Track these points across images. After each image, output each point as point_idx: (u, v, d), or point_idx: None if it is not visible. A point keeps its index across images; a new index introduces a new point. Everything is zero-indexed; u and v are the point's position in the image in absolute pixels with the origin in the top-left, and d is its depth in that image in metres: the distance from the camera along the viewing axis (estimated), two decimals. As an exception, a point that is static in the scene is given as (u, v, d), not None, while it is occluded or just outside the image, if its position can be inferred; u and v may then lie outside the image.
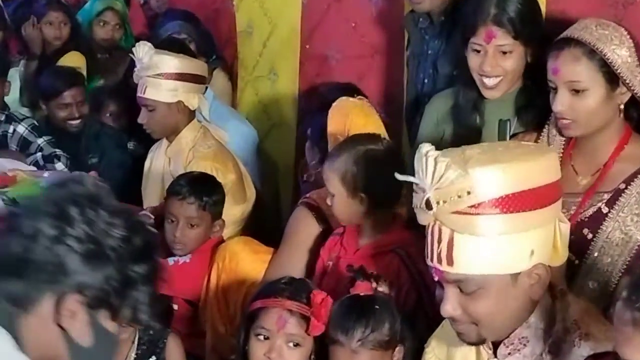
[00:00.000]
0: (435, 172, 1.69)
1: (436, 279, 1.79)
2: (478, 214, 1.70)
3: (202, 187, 2.97)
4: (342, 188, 2.51)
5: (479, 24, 2.47)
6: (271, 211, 4.01)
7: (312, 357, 2.26)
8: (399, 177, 1.80)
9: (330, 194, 2.54)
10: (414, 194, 1.75)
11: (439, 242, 1.74)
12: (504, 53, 2.49)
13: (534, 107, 2.47)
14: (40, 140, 4.11)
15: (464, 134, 2.57)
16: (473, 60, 2.53)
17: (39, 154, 4.06)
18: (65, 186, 1.46)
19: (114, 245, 1.38)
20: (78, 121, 4.12)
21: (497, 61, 2.49)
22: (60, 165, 3.94)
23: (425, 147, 1.72)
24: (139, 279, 1.42)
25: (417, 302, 2.42)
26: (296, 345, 2.22)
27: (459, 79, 2.70)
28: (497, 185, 1.69)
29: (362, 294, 2.23)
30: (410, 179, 1.74)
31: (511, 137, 2.49)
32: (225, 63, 4.37)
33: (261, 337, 2.23)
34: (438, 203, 1.70)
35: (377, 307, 2.20)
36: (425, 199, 1.71)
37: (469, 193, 1.68)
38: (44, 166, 3.95)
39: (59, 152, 4.05)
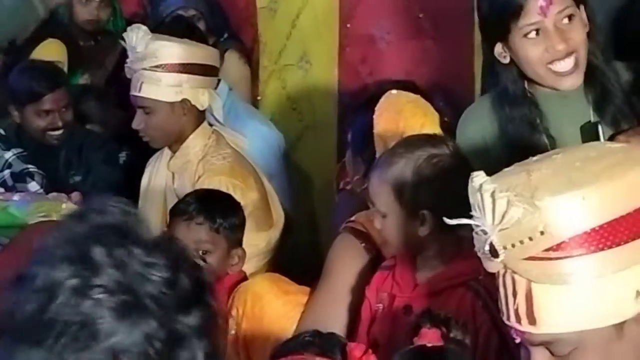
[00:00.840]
0: (495, 211, 1.68)
1: (517, 341, 1.77)
2: (559, 258, 1.67)
3: (214, 205, 2.97)
4: (397, 205, 2.51)
5: (521, 1, 2.48)
6: (306, 238, 4.06)
7: None
8: (449, 221, 1.78)
9: (380, 214, 2.53)
10: (474, 235, 1.74)
11: (514, 295, 1.71)
12: (570, 19, 2.51)
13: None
14: (8, 154, 4.15)
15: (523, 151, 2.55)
16: (532, 51, 2.53)
17: (6, 172, 4.11)
18: (83, 219, 1.36)
19: (154, 292, 1.30)
20: (60, 132, 4.16)
21: (565, 34, 2.51)
22: (34, 184, 3.98)
23: (478, 179, 1.70)
24: (191, 333, 1.38)
25: (500, 346, 2.39)
26: None
27: (495, 99, 2.68)
28: (579, 218, 1.66)
29: (429, 345, 2.23)
30: (464, 221, 1.73)
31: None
32: (240, 42, 4.43)
33: None
34: (505, 248, 1.68)
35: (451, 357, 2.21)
36: (488, 243, 1.70)
37: (542, 233, 1.65)
38: (13, 186, 4.01)
39: (32, 168, 4.10)
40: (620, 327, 1.71)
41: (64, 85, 4.21)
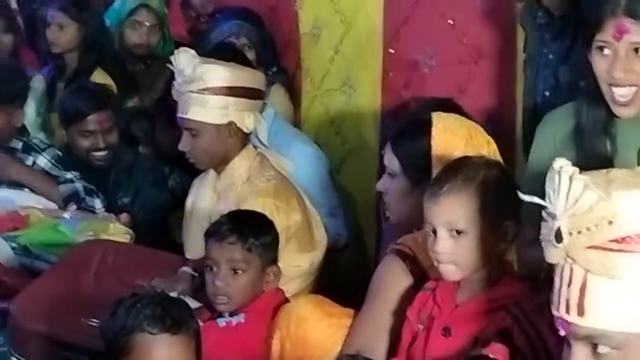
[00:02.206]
0: (569, 194, 1.68)
1: (562, 333, 1.75)
2: (621, 250, 1.66)
3: (246, 225, 2.95)
4: (480, 219, 2.44)
5: (606, 16, 2.45)
6: (351, 260, 4.02)
7: None
8: (524, 197, 1.75)
9: (453, 232, 2.44)
10: (542, 223, 1.73)
11: (569, 285, 1.71)
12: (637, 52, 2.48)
13: None
14: (68, 176, 4.19)
15: (590, 163, 2.52)
16: (599, 65, 2.51)
17: (79, 184, 4.13)
18: None
19: None
20: (104, 153, 4.17)
21: (631, 64, 2.48)
22: (98, 202, 3.99)
23: (560, 162, 1.69)
24: None
25: None
26: None
27: (583, 92, 2.69)
28: None
29: (491, 356, 2.25)
30: (537, 200, 1.72)
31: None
32: (287, 78, 4.44)
33: None
34: (571, 234, 1.67)
35: None
36: (555, 228, 1.69)
37: (610, 223, 1.65)
38: (83, 199, 4.05)
39: (91, 189, 4.13)
40: None
41: (109, 107, 4.20)
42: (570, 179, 1.66)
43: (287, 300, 3.03)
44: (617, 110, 2.54)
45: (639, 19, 2.44)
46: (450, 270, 2.41)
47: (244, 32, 4.28)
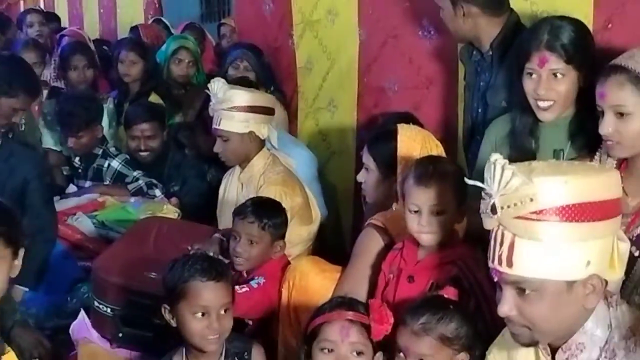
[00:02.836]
0: (501, 179, 1.69)
1: (495, 279, 1.79)
2: (539, 220, 1.68)
3: (264, 210, 2.96)
4: (453, 204, 2.43)
5: (533, 50, 2.48)
6: (332, 232, 4.03)
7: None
8: (469, 181, 1.82)
9: (437, 212, 2.42)
10: (481, 200, 1.76)
11: (501, 245, 1.73)
12: (556, 76, 2.48)
13: (587, 133, 2.43)
14: (135, 173, 4.20)
15: (520, 158, 2.48)
16: (528, 85, 2.52)
17: (141, 181, 4.16)
18: None
19: None
20: (146, 153, 4.19)
21: (550, 85, 2.49)
22: (158, 192, 4.01)
23: (495, 156, 1.72)
24: None
25: (475, 311, 2.36)
26: (359, 353, 2.23)
27: (516, 105, 2.68)
28: (559, 195, 1.68)
29: (445, 295, 2.25)
30: (479, 184, 1.75)
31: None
32: (283, 95, 4.40)
33: (326, 351, 2.23)
34: (502, 208, 1.70)
35: (451, 306, 2.19)
36: (491, 204, 1.72)
37: (531, 200, 1.67)
38: (146, 192, 4.06)
39: (154, 181, 4.13)
40: (570, 284, 1.74)
41: (153, 120, 4.21)
42: (502, 168, 1.69)
43: (289, 263, 3.03)
44: (540, 115, 2.55)
45: (555, 51, 2.45)
46: (429, 239, 2.42)
47: (245, 58, 4.29)
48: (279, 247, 2.97)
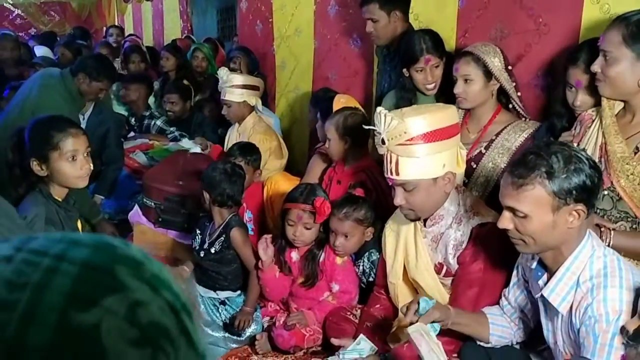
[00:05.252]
0: (384, 122, 1.70)
1: (390, 184, 1.82)
2: (411, 144, 1.71)
3: (246, 151, 2.87)
4: (335, 135, 2.46)
5: (419, 55, 2.41)
6: (292, 163, 3.98)
7: (320, 232, 2.30)
8: (366, 127, 1.83)
9: (328, 139, 2.48)
10: (375, 136, 1.76)
11: (390, 162, 1.76)
12: (436, 67, 2.45)
13: (447, 97, 2.37)
14: (172, 128, 4.12)
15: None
16: (418, 78, 2.45)
17: (177, 132, 4.07)
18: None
19: None
20: (171, 113, 4.09)
21: (433, 76, 2.45)
22: (186, 140, 3.85)
23: (379, 109, 1.74)
24: None
25: (376, 200, 2.36)
26: (308, 228, 2.26)
27: (401, 85, 2.60)
28: (421, 126, 1.70)
29: (356, 194, 2.27)
30: (372, 127, 1.76)
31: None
32: (264, 78, 4.20)
33: (290, 224, 2.27)
34: (388, 140, 1.72)
35: (361, 200, 2.23)
36: (381, 138, 1.73)
37: (405, 132, 1.70)
38: (179, 140, 3.93)
39: (184, 133, 4.04)
40: (435, 180, 1.75)
41: (178, 93, 4.11)
42: (385, 115, 1.69)
43: (264, 184, 2.98)
44: (427, 91, 2.47)
45: (433, 53, 2.41)
46: (334, 159, 2.46)
47: (238, 52, 4.18)
48: (258, 175, 2.92)
